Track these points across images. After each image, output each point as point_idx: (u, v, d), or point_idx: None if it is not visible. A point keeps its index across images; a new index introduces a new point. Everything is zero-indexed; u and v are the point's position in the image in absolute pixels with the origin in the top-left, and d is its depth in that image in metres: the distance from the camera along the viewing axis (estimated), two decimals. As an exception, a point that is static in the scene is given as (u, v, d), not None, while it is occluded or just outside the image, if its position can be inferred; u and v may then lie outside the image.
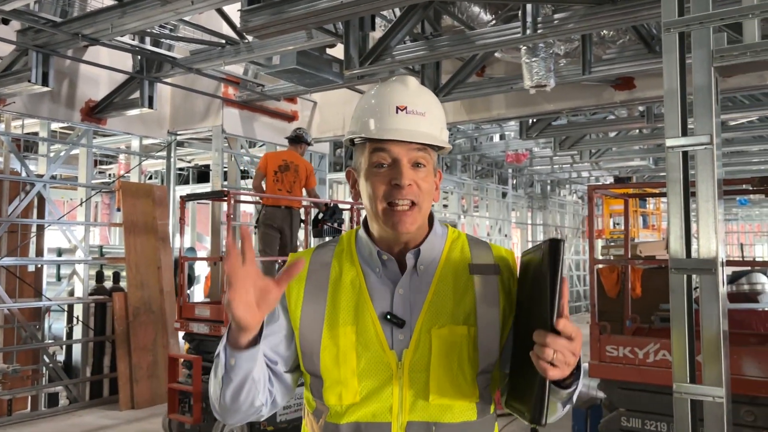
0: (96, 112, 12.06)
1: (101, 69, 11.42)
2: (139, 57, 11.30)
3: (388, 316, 2.30)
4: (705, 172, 4.17)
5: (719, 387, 4.04)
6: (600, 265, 12.17)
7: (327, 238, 11.00)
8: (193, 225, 22.63)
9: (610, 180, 25.90)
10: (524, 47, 9.27)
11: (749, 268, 14.60)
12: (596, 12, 7.74)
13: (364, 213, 2.55)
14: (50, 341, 12.66)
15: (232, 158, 13.88)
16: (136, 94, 11.55)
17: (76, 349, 12.31)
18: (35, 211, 11.95)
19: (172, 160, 14.39)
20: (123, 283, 12.94)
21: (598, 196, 11.86)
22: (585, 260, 30.16)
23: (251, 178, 15.16)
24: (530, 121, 15.00)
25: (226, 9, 9.66)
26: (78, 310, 12.31)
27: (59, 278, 16.57)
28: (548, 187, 28.72)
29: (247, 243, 2.02)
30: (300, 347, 2.38)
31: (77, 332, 12.33)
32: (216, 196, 11.55)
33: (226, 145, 13.50)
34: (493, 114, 13.02)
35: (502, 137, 20.25)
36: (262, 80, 12.91)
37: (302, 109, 14.79)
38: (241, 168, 14.39)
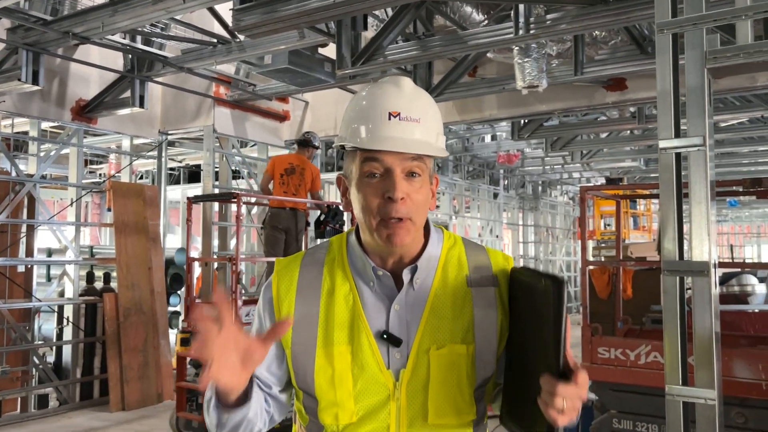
0: (86, 111, 12.02)
1: (92, 68, 11.39)
2: (130, 56, 11.26)
3: (385, 336, 2.22)
4: (698, 174, 4.16)
5: (711, 389, 4.03)
6: (591, 267, 12.17)
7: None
8: (184, 225, 22.59)
9: (601, 181, 25.91)
10: (516, 48, 9.26)
11: (739, 269, 14.65)
12: (589, 12, 7.73)
13: None
14: (40, 342, 12.61)
15: (224, 158, 13.84)
16: (127, 94, 11.51)
17: (67, 350, 12.26)
18: (25, 211, 11.89)
19: (163, 159, 14.35)
20: (114, 284, 12.89)
21: (590, 197, 11.86)
22: (576, 261, 30.22)
23: (242, 178, 15.18)
24: (522, 121, 15.00)
25: (218, 8, 9.64)
26: (68, 311, 12.24)
27: (49, 279, 16.52)
28: (539, 188, 28.72)
29: (223, 309, 1.92)
30: (292, 367, 2.29)
31: (67, 333, 12.27)
32: (225, 198, 11.71)
33: (218, 144, 13.47)
34: (485, 114, 13.01)
35: (493, 138, 20.21)
36: (254, 80, 12.89)
37: (294, 109, 14.78)
38: (233, 168, 14.36)
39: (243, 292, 14.22)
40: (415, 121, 2.20)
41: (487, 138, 20.43)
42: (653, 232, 27.33)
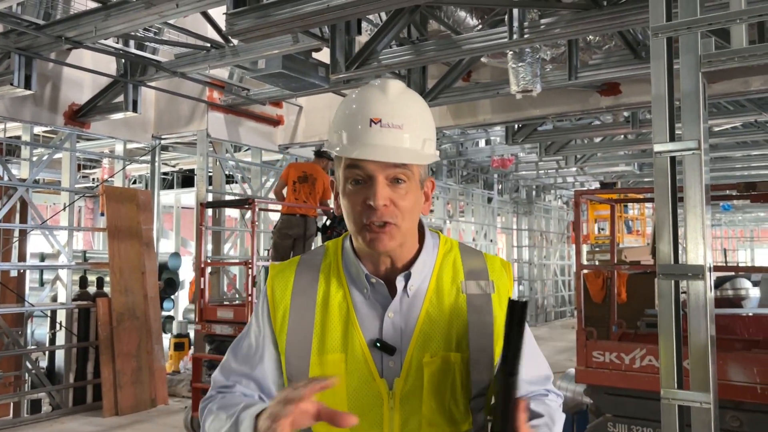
0: (79, 115, 12.01)
1: (85, 72, 11.39)
2: (123, 60, 11.23)
3: (378, 344, 2.19)
4: (693, 178, 4.15)
5: (706, 392, 4.02)
6: (586, 270, 12.18)
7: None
8: (177, 230, 22.57)
9: (595, 185, 25.92)
10: (510, 52, 9.26)
11: (733, 273, 14.68)
12: (583, 17, 7.72)
13: None
14: (33, 347, 12.60)
15: (217, 163, 13.82)
16: (120, 98, 11.49)
17: (59, 355, 12.24)
18: (18, 215, 11.86)
19: (156, 164, 14.32)
20: (107, 289, 12.86)
21: (584, 201, 11.86)
22: (570, 266, 30.25)
23: (236, 182, 15.18)
24: (516, 126, 15.00)
25: (212, 12, 9.62)
26: (61, 316, 12.22)
27: (42, 283, 16.50)
28: (533, 193, 28.71)
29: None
30: (286, 372, 2.27)
31: (60, 338, 12.25)
32: (240, 204, 11.90)
33: (211, 149, 13.46)
34: (479, 119, 13.01)
35: (487, 142, 20.19)
36: (248, 84, 12.87)
37: (288, 114, 14.77)
38: (226, 173, 14.35)
39: (237, 296, 14.23)
40: (397, 127, 2.15)
41: (482, 142, 20.42)
42: (647, 236, 27.32)
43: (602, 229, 27.56)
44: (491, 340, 2.25)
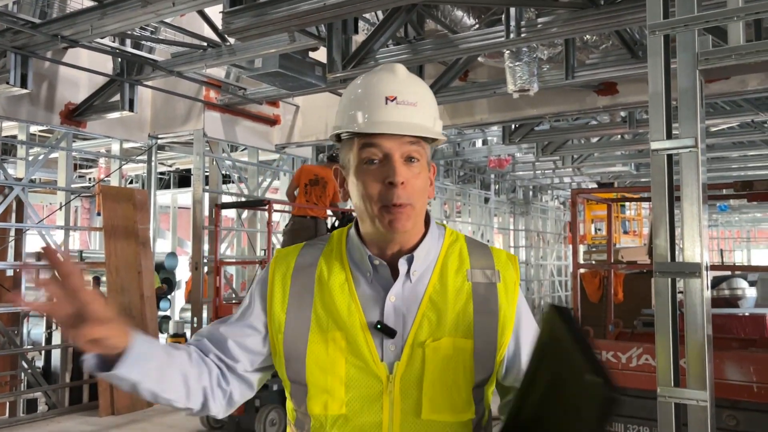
0: (76, 115, 11.98)
1: (81, 71, 11.36)
2: (119, 59, 11.22)
3: (378, 326, 2.17)
4: (690, 175, 4.15)
5: (703, 390, 4.02)
6: (582, 270, 12.19)
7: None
8: (174, 230, 22.57)
9: (592, 186, 25.92)
10: (507, 51, 9.25)
11: (729, 273, 14.69)
12: (580, 16, 7.72)
13: None
14: (29, 347, 12.56)
15: (214, 162, 13.80)
16: (117, 97, 11.48)
17: (56, 354, 12.21)
18: (14, 215, 11.83)
19: (153, 164, 14.30)
20: (103, 288, 12.84)
21: (581, 201, 11.87)
22: (567, 266, 30.25)
23: (233, 182, 15.17)
24: (513, 126, 15.00)
25: (208, 11, 9.60)
26: (57, 315, 12.16)
27: (38, 283, 16.47)
28: (530, 193, 28.68)
29: (64, 267, 1.95)
30: (284, 353, 2.24)
31: (56, 337, 12.22)
32: (255, 205, 12.26)
33: (208, 149, 13.43)
34: (476, 119, 13.00)
35: (484, 142, 20.19)
36: (244, 83, 12.84)
37: (285, 113, 14.75)
38: (223, 172, 14.33)
39: (234, 296, 14.22)
40: (412, 104, 2.18)
41: (478, 142, 20.42)
42: (644, 236, 27.35)
43: (599, 230, 27.58)
44: (495, 330, 2.25)
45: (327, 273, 2.29)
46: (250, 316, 2.33)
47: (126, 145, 14.38)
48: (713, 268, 10.87)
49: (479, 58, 10.75)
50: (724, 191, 11.30)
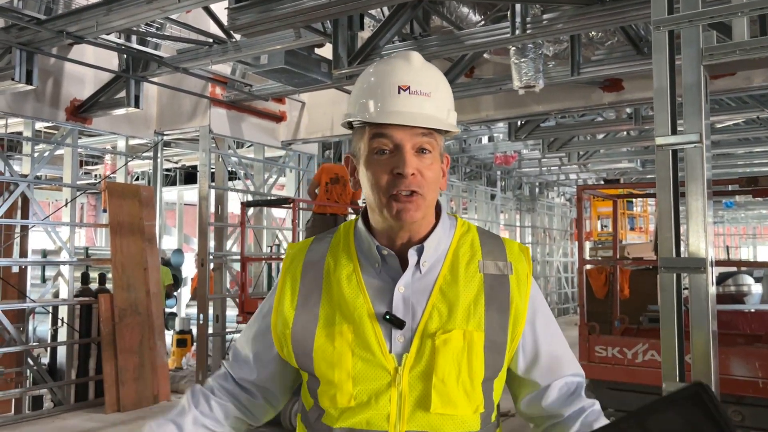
0: (81, 111, 11.98)
1: (86, 68, 11.35)
2: (125, 56, 11.22)
3: (387, 317, 2.13)
4: (695, 171, 4.15)
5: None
6: (588, 267, 12.18)
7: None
8: (180, 226, 22.58)
9: (598, 182, 25.90)
10: (513, 48, 9.26)
11: (735, 269, 14.67)
12: (585, 12, 7.73)
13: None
14: (35, 344, 12.58)
15: (220, 159, 13.79)
16: (122, 94, 11.47)
17: (61, 351, 12.21)
18: (19, 211, 11.85)
19: (158, 160, 14.32)
20: (109, 285, 12.85)
21: (586, 198, 11.86)
22: (573, 262, 30.23)
23: (239, 179, 15.17)
24: (519, 122, 15.00)
25: (214, 7, 9.60)
26: (63, 312, 12.19)
27: (44, 280, 16.49)
28: (536, 190, 28.68)
29: None
30: (293, 348, 2.23)
31: (62, 334, 12.23)
32: (280, 203, 12.75)
33: (214, 145, 13.42)
34: (481, 115, 12.99)
35: (490, 139, 20.20)
36: (250, 80, 12.83)
37: (290, 110, 14.74)
38: (229, 169, 14.32)
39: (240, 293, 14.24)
40: (425, 95, 2.14)
41: (485, 139, 20.43)
42: (650, 233, 27.31)
43: (605, 226, 27.56)
44: (507, 322, 2.21)
45: (334, 265, 2.27)
46: (266, 351, 2.39)
47: (132, 142, 14.38)
48: (719, 264, 10.87)
49: (485, 55, 10.75)
50: (730, 187, 11.25)
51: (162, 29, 10.67)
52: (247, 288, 11.46)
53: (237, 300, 12.44)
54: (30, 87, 9.85)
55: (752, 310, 10.69)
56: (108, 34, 9.84)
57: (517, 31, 8.13)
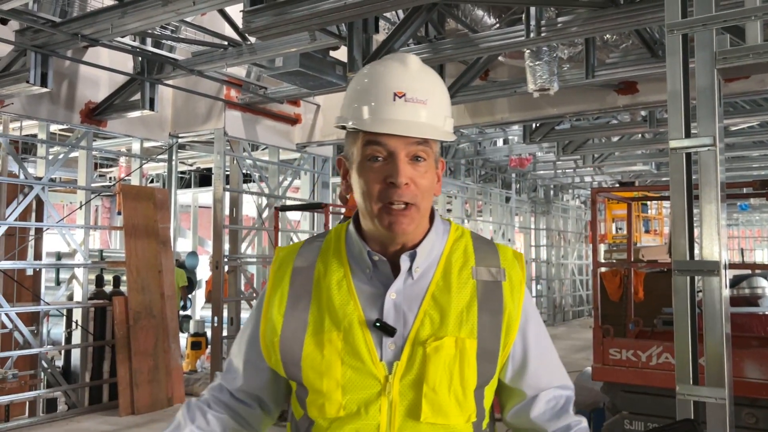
0: (96, 113, 12.02)
1: (101, 70, 11.40)
2: (140, 58, 11.24)
3: (378, 324, 2.09)
4: (708, 174, 4.15)
5: (722, 388, 4.01)
6: (603, 269, 12.17)
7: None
8: (195, 229, 22.64)
9: (612, 185, 25.88)
10: (528, 51, 9.25)
11: (750, 271, 14.64)
12: (600, 15, 7.72)
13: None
14: (49, 346, 12.61)
15: (235, 161, 13.81)
16: (137, 96, 11.50)
17: (75, 354, 12.25)
18: (34, 214, 11.88)
19: (173, 163, 14.34)
20: (123, 288, 12.88)
21: (601, 200, 11.85)
22: (588, 265, 30.19)
23: (254, 181, 15.19)
24: (534, 125, 14.99)
25: (229, 10, 9.61)
26: (77, 315, 12.23)
27: (58, 282, 16.56)
28: (551, 192, 28.66)
29: None
30: (281, 356, 2.19)
31: (76, 337, 12.27)
32: (313, 207, 12.78)
33: (228, 148, 13.43)
34: (496, 118, 12.97)
35: (505, 141, 20.20)
36: (265, 82, 12.84)
37: (305, 112, 14.75)
38: (244, 171, 14.35)
39: (255, 295, 14.25)
40: (421, 102, 2.09)
41: (499, 142, 20.44)
42: (665, 235, 27.27)
43: (620, 229, 27.51)
44: (500, 329, 2.17)
45: (324, 270, 2.23)
46: (257, 361, 2.35)
47: (146, 144, 14.40)
48: (734, 267, 10.85)
49: (500, 58, 10.75)
50: (744, 190, 11.23)
51: (177, 32, 10.69)
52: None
53: (251, 302, 12.47)
54: (45, 90, 9.88)
55: (767, 313, 10.67)
56: (123, 37, 9.89)
57: (532, 34, 8.13)
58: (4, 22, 9.49)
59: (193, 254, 18.95)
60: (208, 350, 14.57)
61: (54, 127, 13.41)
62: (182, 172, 22.80)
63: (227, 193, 13.38)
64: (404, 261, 2.16)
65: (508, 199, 25.21)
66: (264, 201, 14.63)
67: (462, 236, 2.32)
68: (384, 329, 2.09)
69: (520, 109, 12.66)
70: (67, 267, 13.31)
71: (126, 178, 14.31)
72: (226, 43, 10.35)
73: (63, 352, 12.72)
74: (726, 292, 4.11)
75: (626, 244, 12.24)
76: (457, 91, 11.16)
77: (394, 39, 9.02)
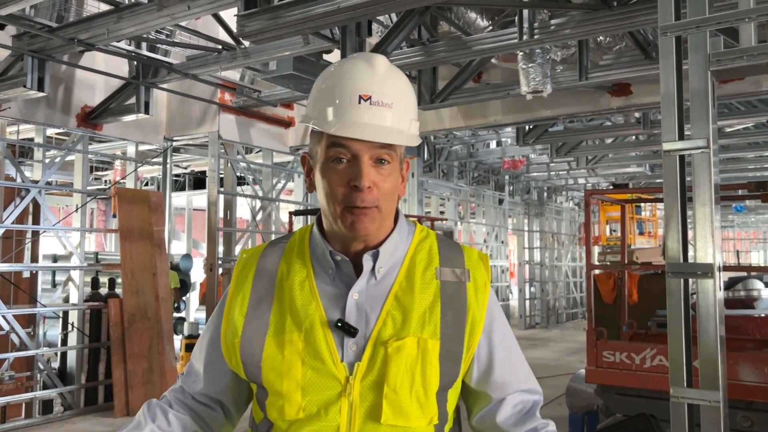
0: (92, 117, 12.03)
1: (97, 74, 11.42)
2: (135, 62, 11.25)
3: (339, 324, 2.08)
4: (702, 176, 4.16)
5: (716, 391, 4.02)
6: (597, 271, 12.19)
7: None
8: (189, 232, 22.62)
9: (606, 187, 25.88)
10: (521, 53, 9.26)
11: (745, 274, 14.66)
12: (593, 18, 7.73)
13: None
14: (45, 348, 12.62)
15: (229, 164, 13.82)
16: (132, 100, 11.51)
17: (71, 355, 12.25)
18: (30, 217, 11.91)
19: (168, 166, 14.34)
20: (118, 290, 12.89)
21: (594, 202, 11.87)
22: (582, 267, 30.18)
23: (248, 184, 15.20)
24: (527, 127, 14.98)
25: (223, 14, 9.65)
26: (73, 317, 12.23)
27: (54, 285, 16.57)
28: (545, 194, 28.61)
29: None
30: (240, 357, 2.17)
31: (72, 339, 12.27)
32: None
33: (223, 151, 13.45)
34: (489, 120, 12.98)
35: (498, 144, 20.22)
36: (259, 86, 12.88)
37: (299, 115, 14.74)
38: (238, 174, 14.35)
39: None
40: (387, 105, 2.07)
41: (492, 144, 20.46)
42: (659, 237, 27.27)
43: (614, 231, 27.50)
44: (463, 330, 2.16)
45: (287, 271, 2.22)
46: (218, 361, 2.33)
47: (141, 148, 14.40)
48: (729, 269, 10.87)
49: (493, 60, 10.76)
50: (739, 192, 11.25)
51: (172, 36, 10.73)
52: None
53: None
54: (41, 94, 9.91)
55: (762, 315, 10.69)
56: (118, 42, 9.91)
57: (525, 37, 8.14)
58: (2, 27, 9.50)
59: (188, 257, 18.92)
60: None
61: (50, 131, 13.44)
62: (177, 175, 22.76)
63: (221, 196, 13.40)
64: (367, 261, 2.16)
65: (501, 201, 25.22)
66: (258, 204, 14.65)
67: (427, 237, 2.32)
68: (345, 329, 2.08)
69: (514, 111, 12.67)
70: (63, 269, 13.33)
71: (121, 181, 14.34)
72: (220, 46, 10.37)
73: (59, 353, 12.69)
74: (720, 295, 4.12)
75: (620, 246, 12.24)
76: (450, 94, 11.18)
77: (387, 42, 9.03)
